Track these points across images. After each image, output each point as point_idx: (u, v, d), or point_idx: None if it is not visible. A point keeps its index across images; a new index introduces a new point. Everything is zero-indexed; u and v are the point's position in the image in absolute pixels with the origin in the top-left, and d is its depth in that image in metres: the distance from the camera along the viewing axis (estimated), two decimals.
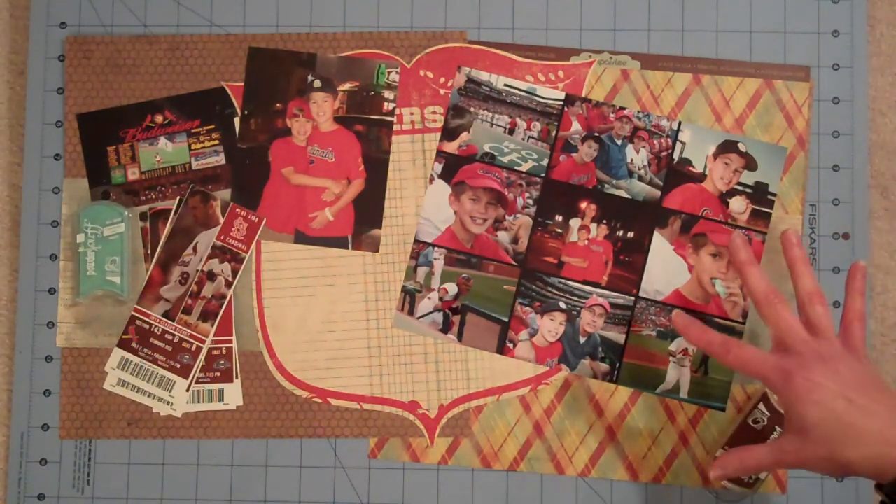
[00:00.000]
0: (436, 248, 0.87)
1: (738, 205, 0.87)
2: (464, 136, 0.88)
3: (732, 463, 0.74)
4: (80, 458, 0.86)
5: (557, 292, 0.86)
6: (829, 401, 0.69)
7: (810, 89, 0.88)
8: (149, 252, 0.87)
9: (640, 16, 0.89)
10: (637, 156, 0.87)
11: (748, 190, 0.87)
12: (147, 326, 0.86)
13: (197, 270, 0.86)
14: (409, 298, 0.87)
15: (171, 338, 0.86)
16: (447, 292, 0.87)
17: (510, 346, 0.86)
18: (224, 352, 0.86)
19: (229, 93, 0.88)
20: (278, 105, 0.88)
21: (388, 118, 0.88)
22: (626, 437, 0.86)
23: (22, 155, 0.89)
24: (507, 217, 0.87)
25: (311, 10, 0.89)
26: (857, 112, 0.88)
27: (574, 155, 0.87)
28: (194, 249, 0.87)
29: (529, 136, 0.87)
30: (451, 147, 0.88)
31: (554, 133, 0.88)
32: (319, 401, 0.86)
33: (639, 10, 0.89)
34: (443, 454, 0.86)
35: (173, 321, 0.86)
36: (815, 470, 0.71)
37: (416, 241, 0.87)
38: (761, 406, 0.84)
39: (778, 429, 0.83)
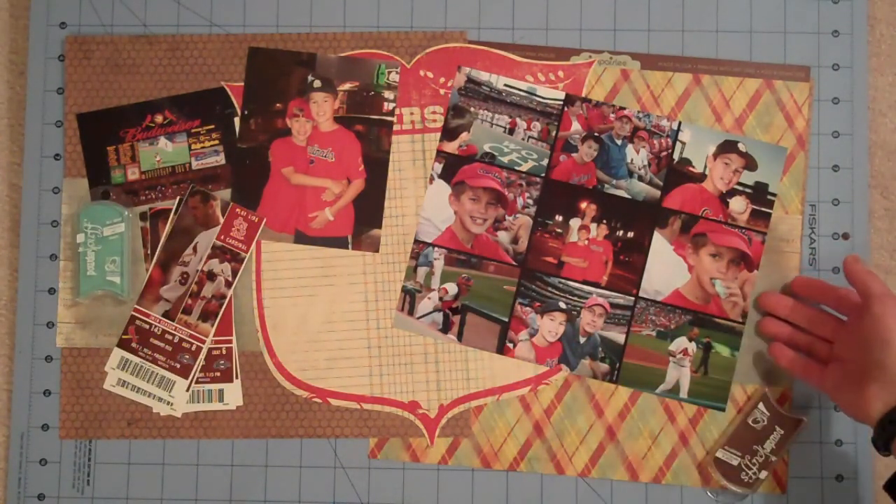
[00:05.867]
0: (436, 248, 0.87)
1: (738, 205, 0.87)
2: (464, 136, 0.88)
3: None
4: (80, 458, 0.86)
5: (557, 292, 0.86)
6: None
7: (810, 89, 0.88)
8: (149, 252, 0.87)
9: (640, 16, 0.89)
10: (637, 156, 0.87)
11: (748, 190, 0.87)
12: (147, 326, 0.86)
13: (197, 270, 0.86)
14: (409, 298, 0.87)
15: (171, 338, 0.86)
16: (447, 292, 0.87)
17: (510, 346, 0.86)
18: (224, 352, 0.86)
19: (229, 93, 0.88)
20: (278, 105, 0.88)
21: (388, 118, 0.88)
22: (626, 437, 0.86)
23: (22, 155, 0.89)
24: (507, 217, 0.87)
25: (311, 10, 0.89)
26: (857, 112, 0.88)
27: (574, 155, 0.87)
28: (194, 249, 0.87)
29: (529, 136, 0.87)
30: (451, 147, 0.88)
31: (554, 133, 0.88)
32: (319, 401, 0.86)
33: (639, 10, 0.89)
34: (443, 454, 0.86)
35: (173, 321, 0.86)
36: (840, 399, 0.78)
37: (416, 241, 0.87)
38: (761, 406, 0.84)
39: (778, 429, 0.83)
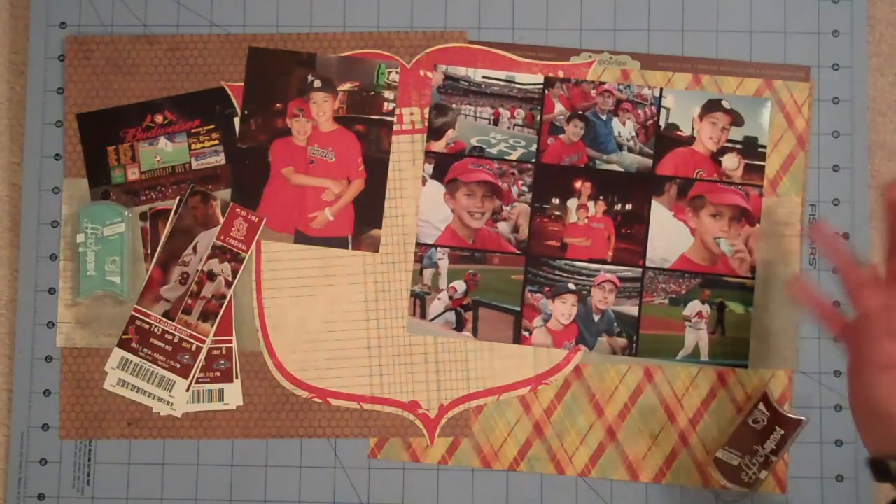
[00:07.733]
0: (438, 249, 0.87)
1: (731, 162, 0.87)
2: (450, 133, 0.88)
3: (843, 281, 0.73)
4: (80, 458, 0.86)
5: (565, 274, 0.86)
6: None
7: (810, 89, 0.88)
8: (149, 252, 0.87)
9: (640, 16, 0.89)
10: (624, 128, 0.87)
11: (738, 146, 0.87)
12: (147, 326, 0.86)
13: (197, 270, 0.86)
14: (420, 302, 0.87)
15: (171, 338, 0.86)
16: (456, 290, 0.87)
17: (526, 334, 0.86)
18: (224, 352, 0.86)
19: (229, 93, 0.88)
20: (278, 105, 0.88)
21: (388, 118, 0.88)
22: (626, 437, 0.86)
23: (22, 155, 0.89)
24: (504, 207, 0.87)
25: (311, 10, 0.89)
26: (857, 112, 0.88)
27: (561, 136, 0.87)
28: (194, 249, 0.87)
29: (515, 124, 0.87)
30: (439, 146, 0.88)
31: (538, 117, 0.88)
32: (319, 401, 0.86)
33: (639, 10, 0.89)
34: (443, 454, 0.86)
35: (173, 321, 0.86)
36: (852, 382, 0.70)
37: (418, 244, 0.87)
38: (761, 406, 0.83)
39: (778, 429, 0.83)
